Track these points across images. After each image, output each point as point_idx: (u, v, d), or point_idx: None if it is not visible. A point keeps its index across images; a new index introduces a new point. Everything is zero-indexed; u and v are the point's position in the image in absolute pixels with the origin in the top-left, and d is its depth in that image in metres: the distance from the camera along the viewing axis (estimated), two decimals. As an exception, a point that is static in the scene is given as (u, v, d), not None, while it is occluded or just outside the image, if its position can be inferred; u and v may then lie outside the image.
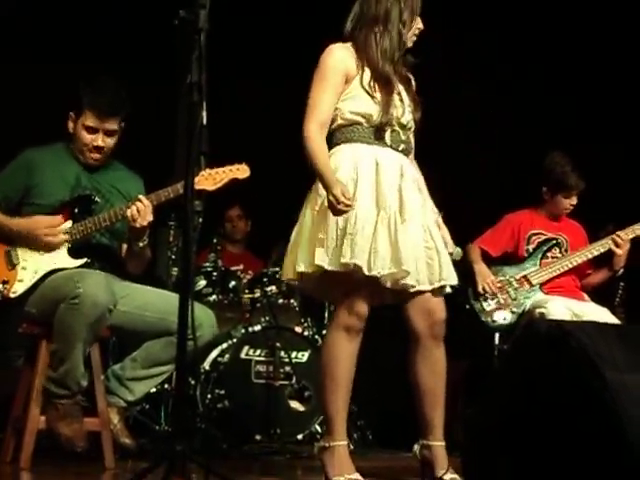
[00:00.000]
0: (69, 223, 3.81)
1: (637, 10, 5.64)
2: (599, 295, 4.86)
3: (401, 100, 3.41)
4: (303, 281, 3.38)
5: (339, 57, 3.38)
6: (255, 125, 6.07)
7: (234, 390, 4.73)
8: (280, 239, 5.43)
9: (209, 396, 4.76)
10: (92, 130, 3.87)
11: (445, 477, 3.31)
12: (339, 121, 3.38)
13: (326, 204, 3.26)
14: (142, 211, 3.71)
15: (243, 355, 4.79)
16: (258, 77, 6.21)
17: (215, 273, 5.11)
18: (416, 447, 3.44)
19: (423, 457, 3.41)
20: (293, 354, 4.83)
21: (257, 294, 5.10)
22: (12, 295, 3.73)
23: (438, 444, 3.39)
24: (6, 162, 3.93)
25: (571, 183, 4.76)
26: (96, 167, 3.95)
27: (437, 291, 3.36)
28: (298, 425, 4.76)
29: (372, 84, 3.37)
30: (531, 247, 4.84)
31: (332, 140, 3.40)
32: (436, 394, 3.39)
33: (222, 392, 4.73)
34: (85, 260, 3.81)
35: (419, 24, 3.45)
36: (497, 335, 4.78)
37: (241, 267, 5.24)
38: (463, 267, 4.63)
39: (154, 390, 4.44)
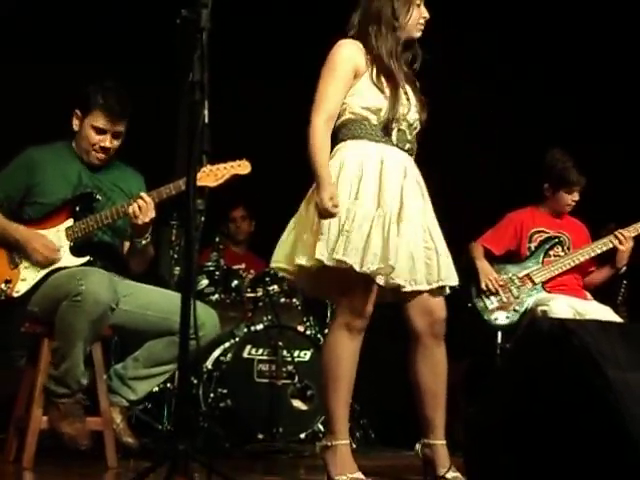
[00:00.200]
0: (70, 221, 3.81)
1: (637, 10, 5.63)
2: (602, 293, 4.85)
3: (407, 99, 3.40)
4: (298, 274, 3.36)
5: (349, 52, 3.37)
6: (260, 126, 6.08)
7: (236, 389, 4.73)
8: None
9: (211, 395, 4.76)
10: (101, 131, 3.87)
11: (447, 476, 3.31)
12: (347, 116, 3.37)
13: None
14: (144, 208, 3.72)
15: (245, 354, 4.79)
16: (262, 78, 6.21)
17: (217, 272, 5.10)
18: (418, 446, 3.44)
19: (425, 456, 3.42)
20: (295, 353, 4.83)
21: (259, 293, 5.10)
22: (15, 294, 3.73)
23: (439, 443, 3.39)
24: (5, 162, 3.93)
25: (573, 178, 4.76)
26: (98, 166, 3.95)
27: (436, 291, 3.35)
28: (300, 424, 4.76)
29: (381, 79, 3.36)
30: (533, 245, 4.84)
31: (338, 135, 3.39)
32: (437, 394, 3.39)
33: (224, 391, 4.73)
34: (87, 258, 3.81)
35: (424, 13, 3.43)
36: (499, 334, 4.78)
37: (243, 266, 5.24)
38: (466, 265, 4.64)
39: (156, 389, 4.45)
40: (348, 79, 3.35)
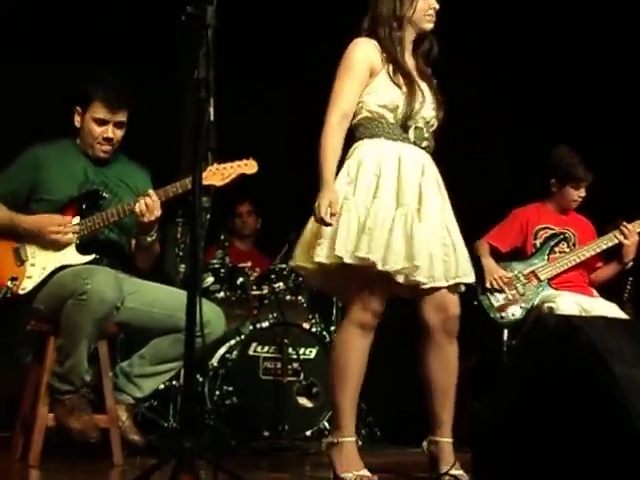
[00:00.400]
0: (77, 219, 3.81)
1: (637, 10, 5.62)
2: (608, 290, 4.85)
3: (423, 96, 3.40)
4: (317, 273, 3.37)
5: (365, 50, 3.38)
6: (267, 123, 6.08)
7: (242, 387, 4.74)
8: (291, 236, 5.44)
9: (217, 393, 4.76)
10: (102, 122, 3.87)
11: (450, 472, 3.31)
12: (363, 114, 3.37)
13: (348, 197, 3.28)
14: (151, 206, 3.72)
15: (251, 352, 4.80)
16: (270, 75, 6.22)
17: (223, 270, 5.11)
18: (424, 443, 3.44)
19: (430, 453, 3.42)
20: (301, 350, 4.83)
21: (265, 290, 5.10)
22: (21, 292, 3.73)
23: (445, 440, 3.39)
24: (5, 162, 3.93)
25: (580, 174, 4.75)
26: (104, 161, 3.95)
27: (452, 288, 3.36)
28: (306, 421, 4.77)
29: (398, 77, 3.37)
30: (538, 242, 4.83)
31: (355, 134, 3.40)
32: (446, 391, 3.39)
33: (230, 389, 4.73)
34: (93, 256, 3.81)
35: (433, 4, 3.41)
36: (506, 331, 4.77)
37: (249, 264, 5.24)
38: (472, 263, 4.63)
39: (162, 387, 4.45)
40: (364, 78, 3.36)
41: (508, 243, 4.84)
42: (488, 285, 4.72)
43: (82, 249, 3.81)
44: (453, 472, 3.30)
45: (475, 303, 4.73)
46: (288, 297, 5.12)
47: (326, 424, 4.79)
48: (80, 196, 3.86)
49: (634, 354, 2.44)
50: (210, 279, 5.05)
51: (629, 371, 2.36)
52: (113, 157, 3.99)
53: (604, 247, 4.76)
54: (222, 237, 5.21)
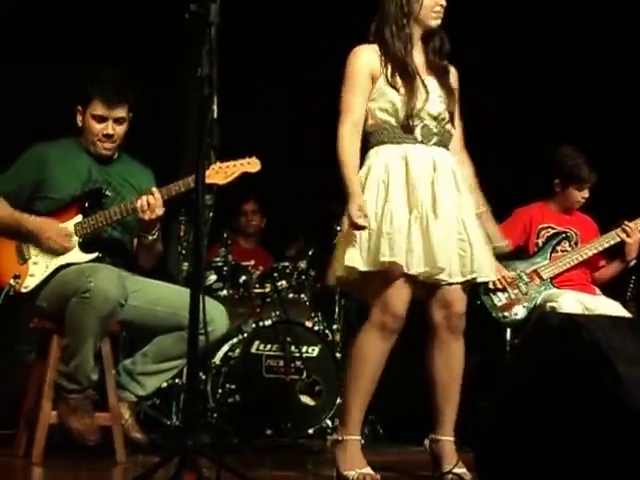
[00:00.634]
0: (80, 217, 3.81)
1: (637, 9, 5.62)
2: (611, 289, 4.84)
3: (427, 91, 3.39)
4: (346, 283, 3.43)
5: (363, 58, 3.41)
6: (271, 123, 6.09)
7: (245, 385, 4.73)
8: (298, 236, 5.44)
9: (220, 391, 4.76)
10: (101, 119, 3.87)
11: (454, 471, 3.31)
12: (370, 121, 3.41)
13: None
14: (152, 204, 3.71)
15: (254, 350, 4.79)
16: (275, 73, 6.22)
17: (225, 268, 5.11)
18: (426, 441, 3.44)
19: (432, 451, 3.42)
20: (304, 349, 4.83)
21: (268, 289, 5.10)
22: (24, 290, 3.73)
23: (446, 439, 3.39)
24: (5, 162, 3.93)
25: (584, 175, 4.74)
26: (107, 159, 3.95)
27: (464, 282, 3.36)
28: (309, 420, 4.77)
29: (396, 78, 3.37)
30: (541, 241, 4.83)
31: (367, 143, 3.43)
32: (450, 389, 3.39)
33: (233, 387, 4.73)
34: (96, 254, 3.81)
35: (440, 1, 3.40)
36: (509, 330, 4.77)
37: (252, 262, 5.24)
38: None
39: (165, 385, 4.45)
40: (367, 85, 3.39)
41: (512, 242, 4.82)
42: (491, 285, 4.71)
43: (85, 247, 3.81)
44: (456, 470, 3.31)
45: (478, 303, 4.72)
46: (291, 295, 5.12)
47: (328, 422, 4.79)
48: (83, 194, 3.87)
49: (638, 353, 2.44)
50: (213, 277, 5.05)
51: (633, 370, 2.36)
52: (117, 156, 3.99)
53: (606, 246, 4.76)
54: (225, 235, 5.21)
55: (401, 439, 4.97)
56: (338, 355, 4.97)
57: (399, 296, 3.30)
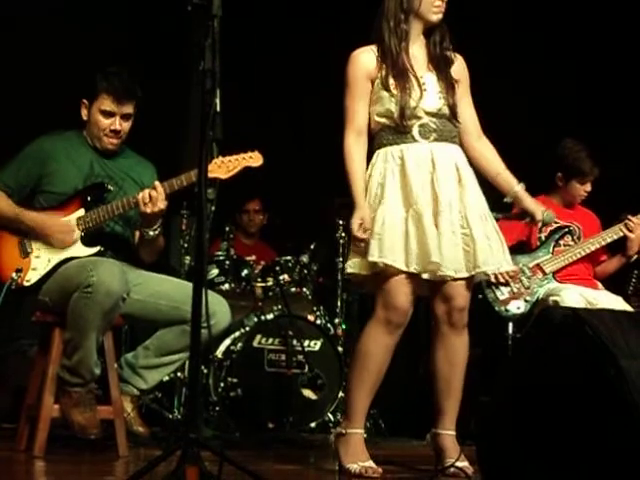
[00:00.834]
0: (82, 211, 3.81)
1: (637, 8, 5.62)
2: (613, 283, 4.84)
3: (424, 89, 3.39)
4: (356, 282, 3.50)
5: (360, 63, 3.42)
6: (274, 121, 6.09)
7: (247, 379, 4.74)
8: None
9: (222, 384, 4.76)
10: (109, 114, 3.86)
11: (456, 464, 3.32)
12: (372, 125, 3.44)
13: None
14: (154, 197, 3.71)
15: (256, 344, 4.80)
16: (279, 72, 6.22)
17: (227, 262, 5.11)
18: (428, 436, 3.45)
19: (434, 445, 3.43)
20: (306, 343, 4.83)
21: (269, 283, 5.10)
22: (26, 284, 3.73)
23: (447, 433, 3.41)
24: (11, 155, 3.93)
25: (586, 169, 4.74)
26: (110, 154, 3.94)
27: (469, 277, 3.37)
28: (311, 413, 4.77)
29: (390, 80, 3.38)
30: (543, 235, 4.82)
31: (373, 145, 3.46)
32: (451, 384, 3.40)
33: (235, 380, 4.73)
34: (98, 248, 3.81)
35: None
36: (511, 324, 4.76)
37: (254, 258, 5.23)
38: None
39: (167, 378, 4.45)
40: (366, 90, 3.41)
41: (513, 236, 4.81)
42: (493, 279, 4.70)
43: (87, 241, 3.81)
44: (458, 464, 3.31)
45: (480, 296, 4.72)
46: (293, 289, 5.12)
47: (330, 416, 4.79)
48: (85, 188, 3.86)
49: (640, 347, 2.43)
50: (215, 271, 5.05)
51: (635, 364, 2.36)
52: (120, 151, 3.98)
53: (609, 240, 4.76)
54: (227, 229, 5.21)
55: (403, 433, 4.97)
56: (340, 349, 4.97)
57: (401, 292, 3.31)
